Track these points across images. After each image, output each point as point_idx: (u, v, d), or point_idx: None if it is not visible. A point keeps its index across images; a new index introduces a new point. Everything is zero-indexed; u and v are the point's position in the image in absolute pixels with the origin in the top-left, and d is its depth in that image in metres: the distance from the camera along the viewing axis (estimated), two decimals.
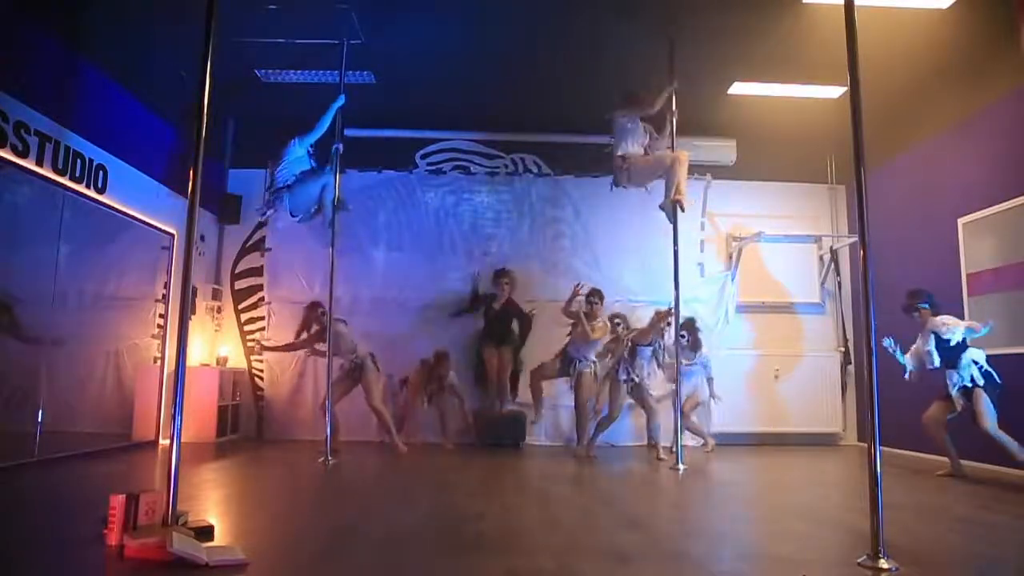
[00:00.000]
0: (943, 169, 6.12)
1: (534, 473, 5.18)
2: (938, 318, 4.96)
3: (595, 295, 6.12)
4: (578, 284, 6.16)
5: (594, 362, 6.12)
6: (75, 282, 5.33)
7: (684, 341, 6.08)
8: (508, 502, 3.84)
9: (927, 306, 5.03)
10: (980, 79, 5.63)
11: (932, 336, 4.93)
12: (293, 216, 5.51)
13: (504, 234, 7.48)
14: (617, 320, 6.21)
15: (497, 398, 6.80)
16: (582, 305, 6.09)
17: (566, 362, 6.18)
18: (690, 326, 6.37)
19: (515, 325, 6.91)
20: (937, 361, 4.91)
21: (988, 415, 4.64)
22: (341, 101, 5.51)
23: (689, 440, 6.29)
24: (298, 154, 5.43)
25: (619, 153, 5.66)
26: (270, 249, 7.39)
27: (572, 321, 6.15)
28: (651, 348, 5.96)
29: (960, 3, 4.83)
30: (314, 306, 6.15)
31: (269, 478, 4.90)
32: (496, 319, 6.84)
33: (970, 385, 4.78)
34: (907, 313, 5.14)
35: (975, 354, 4.81)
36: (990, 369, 4.77)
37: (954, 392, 4.88)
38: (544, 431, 6.95)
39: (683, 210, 5.63)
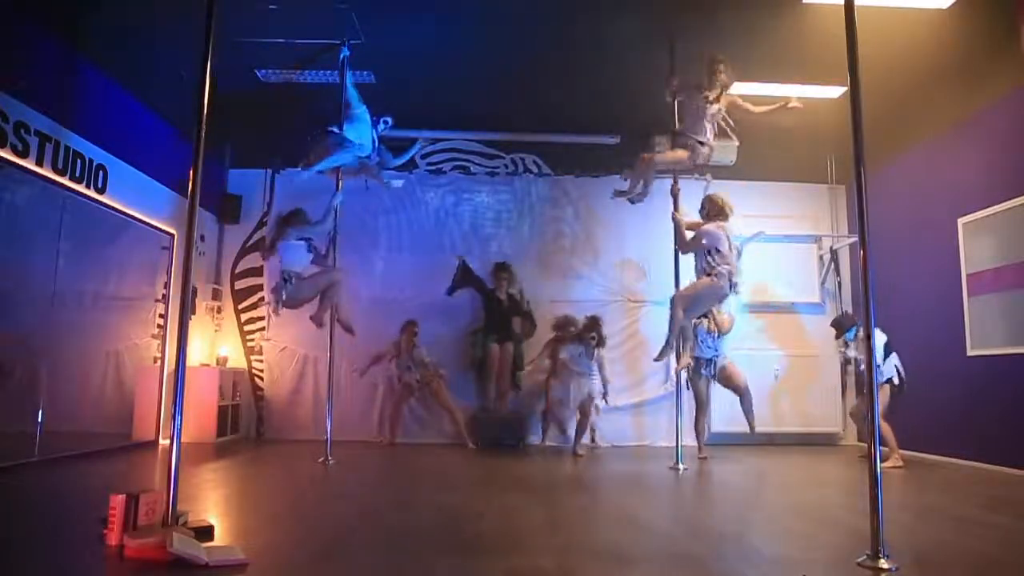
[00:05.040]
0: (943, 169, 6.12)
1: (534, 473, 5.17)
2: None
3: None
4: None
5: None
6: (75, 282, 5.33)
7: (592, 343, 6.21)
8: (508, 502, 3.84)
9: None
10: (980, 79, 5.63)
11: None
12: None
13: (504, 234, 7.47)
14: (592, 336, 6.26)
15: (498, 397, 6.79)
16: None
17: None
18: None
19: (516, 323, 6.89)
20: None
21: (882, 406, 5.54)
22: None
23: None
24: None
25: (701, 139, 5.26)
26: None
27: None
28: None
29: (960, 3, 4.82)
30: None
31: (269, 478, 4.90)
32: (501, 313, 6.82)
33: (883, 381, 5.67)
34: (845, 330, 6.20)
35: (894, 359, 5.72)
36: (903, 374, 5.69)
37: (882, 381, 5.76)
38: (541, 431, 6.94)
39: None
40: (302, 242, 5.30)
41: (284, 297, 5.07)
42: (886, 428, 5.54)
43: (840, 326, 6.26)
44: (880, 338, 5.69)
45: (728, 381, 6.07)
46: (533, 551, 2.67)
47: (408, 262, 7.37)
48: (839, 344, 6.47)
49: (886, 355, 5.71)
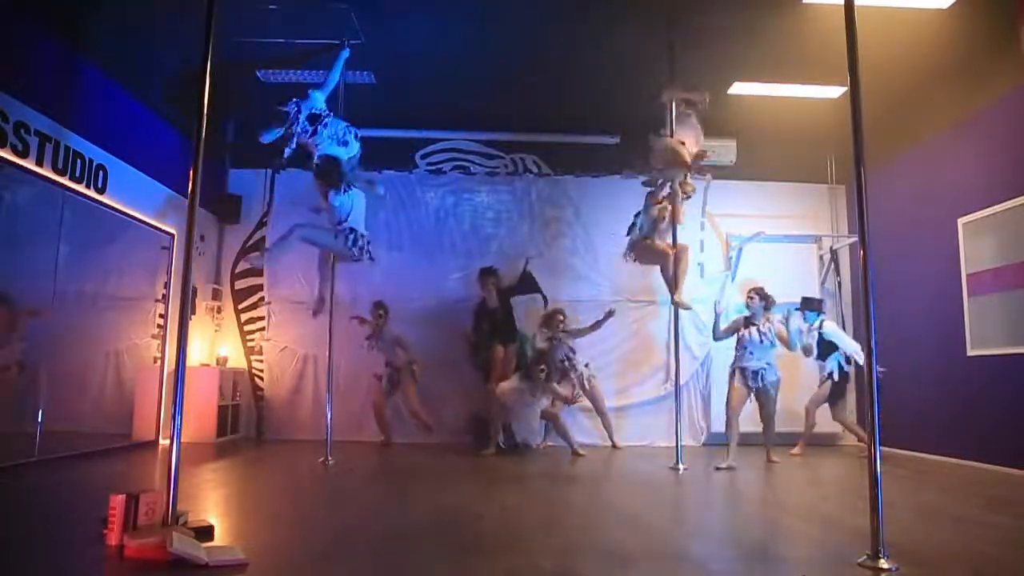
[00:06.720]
0: (943, 169, 6.12)
1: (533, 473, 5.17)
2: (829, 324, 6.21)
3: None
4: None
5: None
6: (75, 282, 5.33)
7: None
8: (507, 502, 3.84)
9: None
10: (980, 79, 5.63)
11: (819, 334, 6.15)
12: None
13: (504, 234, 7.47)
14: (540, 369, 6.08)
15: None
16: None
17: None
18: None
19: (514, 318, 6.82)
20: (815, 352, 6.17)
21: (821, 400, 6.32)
22: (346, 54, 5.38)
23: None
24: (320, 105, 5.15)
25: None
26: (270, 249, 7.38)
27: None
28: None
29: (960, 3, 4.83)
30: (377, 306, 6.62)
31: (269, 478, 4.90)
32: (498, 318, 6.78)
33: (827, 376, 6.20)
34: (806, 309, 6.34)
35: (839, 356, 6.12)
36: (847, 368, 6.09)
37: (823, 375, 6.29)
38: (543, 432, 6.93)
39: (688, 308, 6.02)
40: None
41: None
42: (811, 419, 6.20)
43: (809, 306, 6.32)
44: (834, 333, 6.09)
45: (763, 399, 5.66)
46: (533, 551, 2.67)
47: (408, 262, 7.37)
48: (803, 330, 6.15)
49: (833, 351, 6.08)
